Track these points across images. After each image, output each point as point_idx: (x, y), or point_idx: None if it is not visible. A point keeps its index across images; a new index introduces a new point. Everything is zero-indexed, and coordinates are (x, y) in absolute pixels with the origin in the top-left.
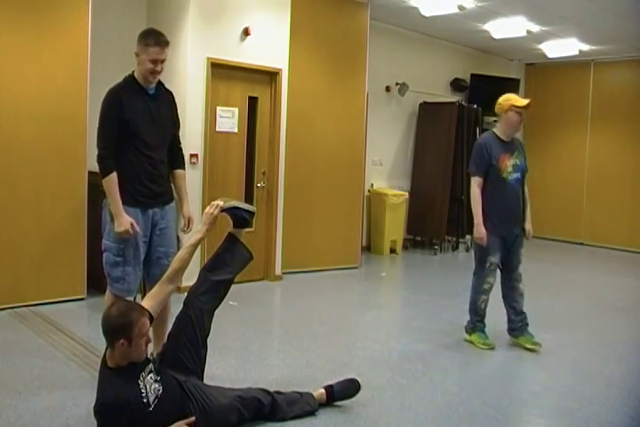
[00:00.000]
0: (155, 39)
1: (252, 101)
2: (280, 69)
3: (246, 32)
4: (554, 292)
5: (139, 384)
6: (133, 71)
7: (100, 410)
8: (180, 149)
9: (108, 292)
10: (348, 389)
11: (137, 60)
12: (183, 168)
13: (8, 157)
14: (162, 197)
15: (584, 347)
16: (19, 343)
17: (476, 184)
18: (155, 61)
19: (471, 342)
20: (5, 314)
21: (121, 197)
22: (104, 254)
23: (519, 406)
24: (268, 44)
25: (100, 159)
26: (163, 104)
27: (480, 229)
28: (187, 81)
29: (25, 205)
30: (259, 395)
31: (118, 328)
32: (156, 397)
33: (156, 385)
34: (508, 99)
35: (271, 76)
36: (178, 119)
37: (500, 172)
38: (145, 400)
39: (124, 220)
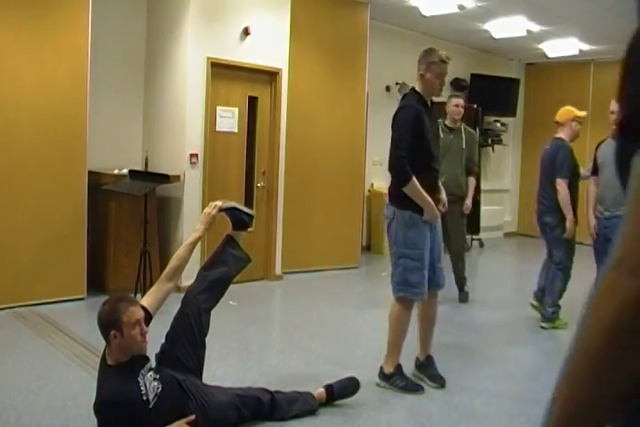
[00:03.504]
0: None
1: (252, 101)
2: (280, 69)
3: (246, 32)
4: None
5: (138, 382)
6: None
7: (101, 408)
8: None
9: (399, 300)
10: (348, 388)
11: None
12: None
13: (8, 157)
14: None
15: None
16: (19, 343)
17: (565, 185)
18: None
19: (555, 328)
20: (5, 314)
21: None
22: (400, 261)
23: (519, 406)
24: (268, 43)
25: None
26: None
27: (573, 226)
28: (187, 81)
29: (25, 204)
30: (258, 394)
31: (107, 321)
32: (156, 395)
33: (156, 383)
34: (571, 110)
35: (271, 75)
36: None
37: (578, 175)
38: (145, 398)
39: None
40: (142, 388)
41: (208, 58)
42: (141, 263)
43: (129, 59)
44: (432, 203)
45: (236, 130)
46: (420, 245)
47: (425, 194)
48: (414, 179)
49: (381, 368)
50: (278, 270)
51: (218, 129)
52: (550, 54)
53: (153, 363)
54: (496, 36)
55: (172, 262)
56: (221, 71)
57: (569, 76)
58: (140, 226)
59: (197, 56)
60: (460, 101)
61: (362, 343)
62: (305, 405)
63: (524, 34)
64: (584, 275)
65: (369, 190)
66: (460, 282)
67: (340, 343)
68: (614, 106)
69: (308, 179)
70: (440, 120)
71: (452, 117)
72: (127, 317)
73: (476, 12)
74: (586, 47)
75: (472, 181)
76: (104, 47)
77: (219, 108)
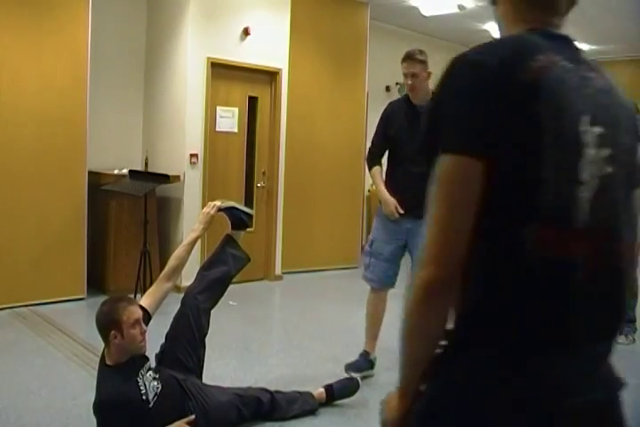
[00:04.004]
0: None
1: (252, 101)
2: (280, 69)
3: (246, 32)
4: None
5: (137, 382)
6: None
7: (100, 408)
8: None
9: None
10: (348, 388)
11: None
12: None
13: (8, 157)
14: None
15: None
16: (19, 343)
17: None
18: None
19: None
20: (5, 314)
21: None
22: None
23: None
24: (268, 43)
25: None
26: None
27: None
28: (187, 81)
29: (25, 204)
30: (258, 394)
31: (107, 321)
32: (156, 394)
33: (155, 383)
34: None
35: (271, 75)
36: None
37: None
38: (144, 398)
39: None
40: (142, 388)
41: (208, 58)
42: (141, 263)
43: (129, 59)
44: (388, 199)
45: (236, 130)
46: (375, 234)
47: (382, 188)
48: (374, 170)
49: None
50: (278, 270)
51: (218, 129)
52: None
53: (152, 363)
54: (496, 36)
55: (171, 262)
56: (221, 71)
57: None
58: (140, 226)
59: (197, 56)
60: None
61: (361, 343)
62: (305, 405)
63: None
64: None
65: (369, 190)
66: None
67: (340, 343)
68: None
69: (308, 179)
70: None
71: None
72: (127, 316)
73: (475, 12)
74: (586, 47)
75: None
76: (104, 47)
77: (219, 109)
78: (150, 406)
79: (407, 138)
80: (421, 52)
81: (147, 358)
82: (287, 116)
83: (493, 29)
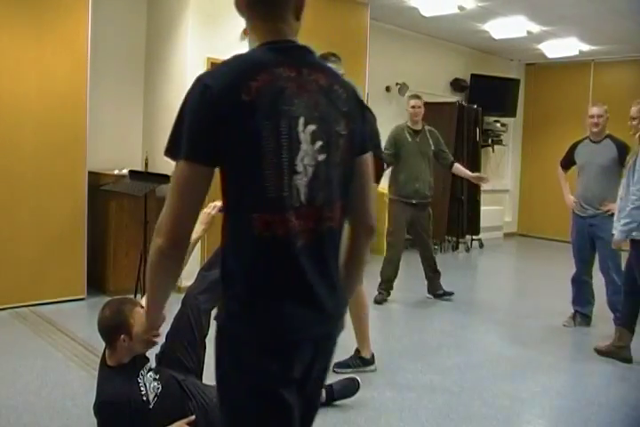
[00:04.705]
0: None
1: None
2: None
3: (246, 32)
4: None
5: (138, 382)
6: None
7: (100, 409)
8: None
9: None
10: (348, 388)
11: None
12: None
13: (8, 157)
14: None
15: (583, 347)
16: (19, 343)
17: None
18: None
19: None
20: (5, 314)
21: None
22: None
23: (519, 406)
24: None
25: None
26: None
27: None
28: (186, 81)
29: (25, 204)
30: None
31: (115, 326)
32: (156, 395)
33: (155, 383)
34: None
35: None
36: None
37: None
38: (145, 398)
39: None
40: (142, 388)
41: (208, 58)
42: (141, 263)
43: (129, 59)
44: None
45: None
46: None
47: None
48: None
49: (359, 350)
50: None
51: None
52: (550, 55)
53: (153, 363)
54: (496, 36)
55: None
56: None
57: (569, 77)
58: (140, 226)
59: (197, 56)
60: (418, 102)
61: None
62: None
63: (524, 34)
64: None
65: None
66: (435, 279)
67: (340, 343)
68: (593, 110)
69: None
70: (405, 123)
71: (412, 119)
72: (134, 318)
73: (475, 13)
74: (586, 47)
75: (457, 165)
76: (104, 47)
77: None
78: (151, 406)
79: None
80: (333, 54)
81: (147, 359)
82: None
83: (493, 29)
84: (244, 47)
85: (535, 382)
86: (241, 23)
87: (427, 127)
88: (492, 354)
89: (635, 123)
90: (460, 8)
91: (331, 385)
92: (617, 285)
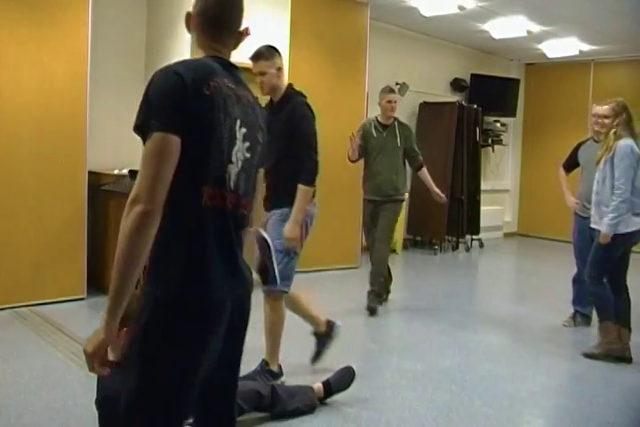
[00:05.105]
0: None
1: None
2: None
3: (246, 32)
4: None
5: None
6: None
7: (102, 405)
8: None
9: (278, 295)
10: (344, 377)
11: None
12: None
13: (8, 157)
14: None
15: (583, 346)
16: (19, 343)
17: None
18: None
19: None
20: (5, 314)
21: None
22: (290, 256)
23: (519, 406)
24: (268, 43)
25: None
26: (279, 116)
27: None
28: None
29: (25, 204)
30: (258, 387)
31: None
32: None
33: None
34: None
35: None
36: (295, 132)
37: None
38: None
39: None
40: None
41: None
42: None
43: (129, 59)
44: None
45: None
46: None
47: None
48: None
49: (267, 363)
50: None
51: None
52: (550, 54)
53: None
54: (496, 36)
55: None
56: None
57: (569, 77)
58: None
59: (197, 57)
60: (394, 97)
61: (361, 343)
62: (305, 399)
63: (524, 34)
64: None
65: None
66: (379, 293)
67: (340, 343)
68: (596, 109)
69: None
70: (374, 117)
71: (384, 114)
72: None
73: (475, 13)
74: (586, 47)
75: (424, 171)
76: (104, 47)
77: None
78: None
79: (273, 138)
80: (268, 49)
81: None
82: None
83: (493, 29)
84: (243, 47)
85: (535, 382)
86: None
87: (398, 122)
88: (492, 354)
89: (607, 121)
90: (460, 8)
91: (328, 380)
92: None
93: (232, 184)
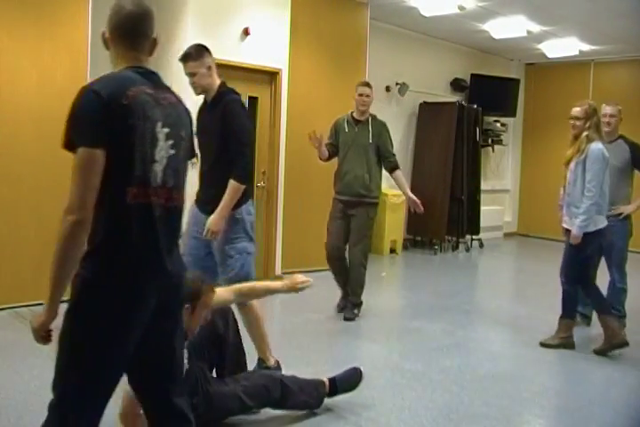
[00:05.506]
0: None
1: (252, 101)
2: (280, 69)
3: (246, 32)
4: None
5: None
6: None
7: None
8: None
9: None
10: (351, 377)
11: None
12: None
13: (8, 157)
14: (204, 204)
15: (583, 346)
16: (19, 343)
17: None
18: (186, 75)
19: None
20: (5, 314)
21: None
22: (242, 257)
23: (519, 407)
24: (268, 44)
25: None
26: (213, 115)
27: None
28: (186, 81)
29: (25, 204)
30: (265, 381)
31: (189, 293)
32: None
33: (185, 361)
34: None
35: (271, 76)
36: (229, 130)
37: None
38: None
39: None
40: None
41: None
42: None
43: None
44: None
45: None
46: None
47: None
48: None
49: (263, 361)
50: (278, 270)
51: None
52: (550, 54)
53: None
54: (496, 36)
55: (249, 290)
56: (221, 71)
57: (569, 76)
58: None
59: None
60: (367, 90)
61: (362, 343)
62: (313, 392)
63: (524, 34)
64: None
65: None
66: (353, 301)
67: (340, 343)
68: (607, 109)
69: (308, 179)
70: (349, 113)
71: (357, 109)
72: (204, 301)
73: (475, 13)
74: (586, 47)
75: (398, 173)
76: (104, 47)
77: None
78: None
79: (202, 134)
80: (197, 48)
81: (186, 337)
82: (287, 116)
83: (493, 29)
84: (244, 47)
85: (535, 382)
86: (241, 23)
87: (372, 119)
88: (492, 354)
89: (578, 123)
90: (460, 8)
91: (334, 378)
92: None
93: (159, 180)
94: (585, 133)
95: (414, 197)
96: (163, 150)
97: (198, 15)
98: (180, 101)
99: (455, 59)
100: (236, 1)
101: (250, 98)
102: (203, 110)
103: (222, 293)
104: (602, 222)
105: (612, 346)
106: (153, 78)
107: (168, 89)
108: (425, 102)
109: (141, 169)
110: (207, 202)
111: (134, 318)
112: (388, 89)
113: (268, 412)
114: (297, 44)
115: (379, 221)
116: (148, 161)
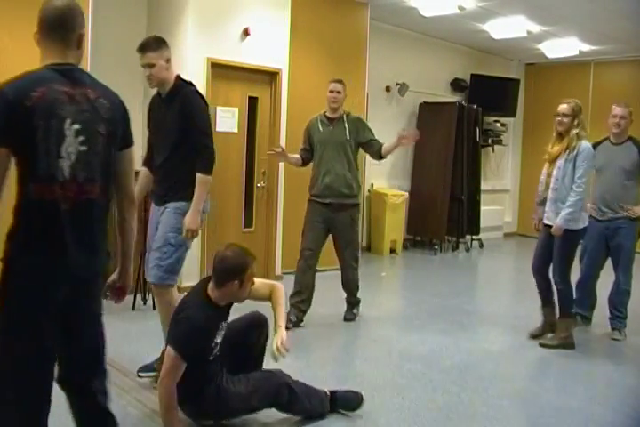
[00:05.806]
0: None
1: (252, 101)
2: (280, 69)
3: (246, 32)
4: None
5: (218, 328)
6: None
7: (185, 324)
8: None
9: (164, 288)
10: (353, 400)
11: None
12: (200, 171)
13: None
14: (160, 197)
15: (583, 347)
16: None
17: None
18: (143, 66)
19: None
20: None
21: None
22: (180, 250)
23: (519, 406)
24: (268, 44)
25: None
26: (170, 108)
27: None
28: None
29: None
30: (275, 386)
31: (235, 269)
32: (216, 352)
33: (220, 340)
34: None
35: (271, 76)
36: (190, 122)
37: None
38: (213, 345)
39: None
40: (217, 337)
41: (208, 58)
42: (141, 263)
43: (129, 59)
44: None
45: (235, 130)
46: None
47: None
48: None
49: None
50: (278, 270)
51: (218, 129)
52: (550, 55)
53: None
54: (496, 36)
55: (272, 299)
56: (221, 72)
57: (569, 77)
58: (140, 226)
59: (197, 57)
60: (337, 87)
61: (362, 344)
62: (318, 404)
63: (524, 34)
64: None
65: (369, 190)
66: (351, 301)
67: (340, 343)
68: (617, 110)
69: (309, 179)
70: (322, 112)
71: (329, 106)
72: (250, 272)
73: (475, 13)
74: (586, 47)
75: (385, 145)
76: (104, 47)
77: (218, 109)
78: (211, 357)
79: (158, 127)
80: (156, 40)
81: (227, 316)
82: (287, 116)
83: (493, 29)
84: (244, 48)
85: (535, 382)
86: (241, 23)
87: (346, 115)
88: (492, 354)
89: (566, 120)
90: (460, 8)
91: (335, 392)
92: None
93: (67, 175)
94: (575, 131)
95: (402, 133)
96: (71, 146)
97: (198, 15)
98: (105, 96)
99: (455, 59)
100: (236, 1)
101: (250, 98)
102: (156, 105)
103: (263, 286)
104: (585, 221)
105: (560, 346)
106: (73, 75)
107: (92, 85)
108: (425, 102)
109: (46, 166)
110: (161, 195)
111: (47, 290)
112: (388, 89)
113: (269, 412)
114: (297, 44)
115: (379, 222)
116: (54, 157)
